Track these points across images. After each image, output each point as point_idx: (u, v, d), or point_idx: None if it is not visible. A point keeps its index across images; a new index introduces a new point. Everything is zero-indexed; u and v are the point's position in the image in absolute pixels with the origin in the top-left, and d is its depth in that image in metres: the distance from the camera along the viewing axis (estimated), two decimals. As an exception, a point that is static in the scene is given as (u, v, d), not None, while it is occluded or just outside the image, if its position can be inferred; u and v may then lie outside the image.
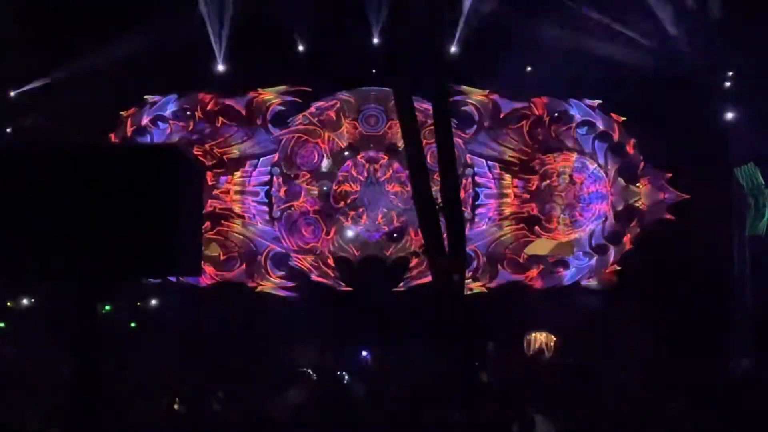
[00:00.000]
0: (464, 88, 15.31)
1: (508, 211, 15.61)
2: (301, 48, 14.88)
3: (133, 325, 11.18)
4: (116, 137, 14.91)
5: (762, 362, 12.21)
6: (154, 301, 13.91)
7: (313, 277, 15.36)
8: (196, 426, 8.97)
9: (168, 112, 15.37)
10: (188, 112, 15.42)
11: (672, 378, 9.85)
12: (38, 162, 3.60)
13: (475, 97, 15.48)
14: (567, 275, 15.55)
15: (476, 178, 15.51)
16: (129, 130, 15.16)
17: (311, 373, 10.82)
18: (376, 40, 14.45)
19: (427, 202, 9.51)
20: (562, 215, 15.54)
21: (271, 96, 15.48)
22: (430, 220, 9.44)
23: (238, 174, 15.45)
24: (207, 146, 15.34)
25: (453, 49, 14.26)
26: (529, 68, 15.00)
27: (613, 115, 15.45)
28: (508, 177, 15.59)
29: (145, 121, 15.26)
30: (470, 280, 15.29)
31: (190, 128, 15.37)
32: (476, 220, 15.48)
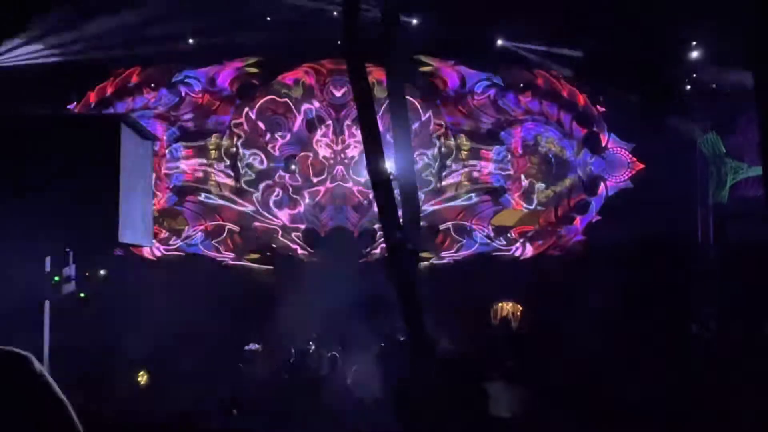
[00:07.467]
0: (428, 58, 15.24)
1: (475, 181, 15.64)
2: (268, 18, 14.68)
3: (82, 295, 11.09)
4: (79, 109, 14.75)
5: (724, 330, 12.40)
6: (102, 272, 13.85)
7: (280, 249, 15.33)
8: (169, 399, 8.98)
9: (132, 84, 15.18)
10: (152, 84, 15.24)
11: (638, 344, 9.99)
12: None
13: (439, 67, 15.46)
14: (533, 245, 15.64)
15: (443, 148, 15.51)
16: (92, 101, 14.98)
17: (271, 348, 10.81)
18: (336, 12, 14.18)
19: (381, 173, 9.25)
20: (528, 185, 15.60)
21: (238, 67, 15.35)
22: (383, 191, 9.22)
23: (203, 145, 15.34)
24: (172, 117, 15.22)
25: (415, 20, 14.03)
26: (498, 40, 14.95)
27: (577, 84, 15.49)
28: (474, 147, 15.61)
29: (108, 92, 15.08)
30: (437, 251, 15.40)
31: (153, 99, 15.21)
32: (443, 190, 15.51)
